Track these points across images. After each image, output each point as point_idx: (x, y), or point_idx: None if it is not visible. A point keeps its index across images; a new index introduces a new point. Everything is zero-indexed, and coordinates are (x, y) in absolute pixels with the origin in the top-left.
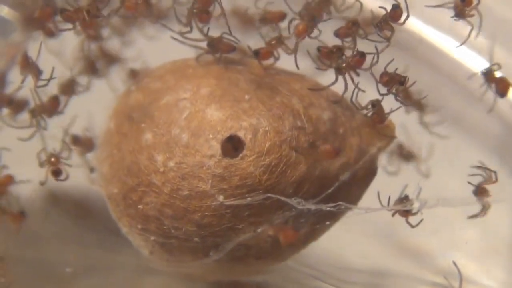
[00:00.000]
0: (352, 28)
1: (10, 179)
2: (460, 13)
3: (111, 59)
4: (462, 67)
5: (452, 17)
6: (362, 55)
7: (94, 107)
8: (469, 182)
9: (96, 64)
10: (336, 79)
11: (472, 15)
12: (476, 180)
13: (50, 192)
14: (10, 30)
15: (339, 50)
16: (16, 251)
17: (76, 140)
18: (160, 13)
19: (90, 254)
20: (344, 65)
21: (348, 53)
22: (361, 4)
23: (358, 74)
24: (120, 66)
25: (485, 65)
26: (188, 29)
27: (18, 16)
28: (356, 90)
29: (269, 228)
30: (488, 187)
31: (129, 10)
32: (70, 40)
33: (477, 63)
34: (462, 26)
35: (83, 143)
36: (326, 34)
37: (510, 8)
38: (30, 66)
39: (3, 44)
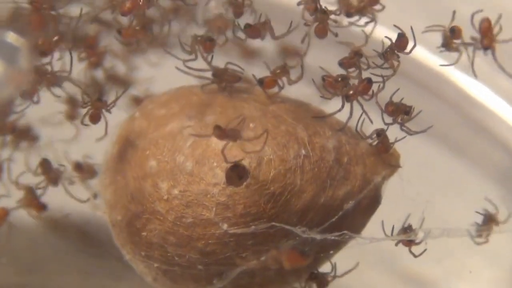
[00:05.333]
0: (355, 58)
1: (5, 213)
2: (448, 45)
3: (119, 84)
4: (466, 96)
5: (438, 47)
6: (369, 81)
7: (97, 133)
8: (478, 212)
9: (102, 89)
10: (342, 106)
11: (457, 50)
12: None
13: (52, 218)
14: (16, 56)
15: (344, 79)
16: (18, 278)
17: (78, 167)
18: (164, 40)
19: (93, 281)
20: (351, 91)
21: (353, 82)
22: (367, 35)
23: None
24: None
25: (490, 94)
26: (192, 57)
27: (25, 42)
28: (361, 119)
29: (274, 252)
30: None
31: (127, 38)
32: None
33: (481, 92)
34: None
35: (85, 170)
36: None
37: None
38: None
39: (10, 70)
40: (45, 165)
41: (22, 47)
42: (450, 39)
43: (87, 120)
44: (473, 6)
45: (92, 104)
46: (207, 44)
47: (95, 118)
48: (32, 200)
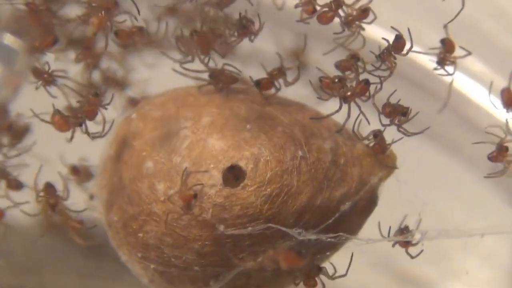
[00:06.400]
0: (351, 61)
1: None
2: (442, 61)
3: (116, 85)
4: (463, 97)
5: (435, 68)
6: (367, 82)
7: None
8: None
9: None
10: (340, 108)
11: (453, 63)
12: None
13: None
14: (13, 58)
15: (341, 80)
16: (15, 279)
17: (74, 170)
18: (160, 41)
19: (89, 282)
20: (349, 93)
21: (349, 83)
22: (364, 38)
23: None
24: (120, 94)
25: (487, 95)
26: (189, 58)
27: (22, 44)
28: (358, 120)
29: (271, 252)
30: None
31: (123, 40)
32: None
33: (478, 93)
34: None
35: (82, 173)
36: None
37: None
38: None
39: (7, 72)
40: (49, 190)
41: (19, 49)
42: (445, 55)
43: (87, 126)
44: (472, 6)
45: (87, 100)
46: (194, 37)
47: (91, 115)
48: (5, 178)
